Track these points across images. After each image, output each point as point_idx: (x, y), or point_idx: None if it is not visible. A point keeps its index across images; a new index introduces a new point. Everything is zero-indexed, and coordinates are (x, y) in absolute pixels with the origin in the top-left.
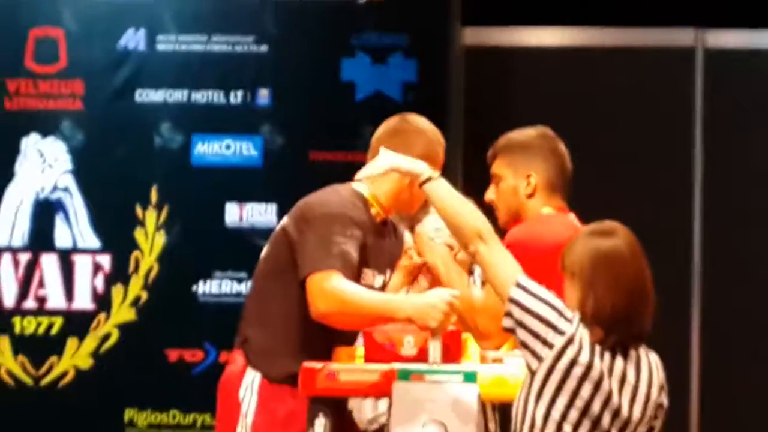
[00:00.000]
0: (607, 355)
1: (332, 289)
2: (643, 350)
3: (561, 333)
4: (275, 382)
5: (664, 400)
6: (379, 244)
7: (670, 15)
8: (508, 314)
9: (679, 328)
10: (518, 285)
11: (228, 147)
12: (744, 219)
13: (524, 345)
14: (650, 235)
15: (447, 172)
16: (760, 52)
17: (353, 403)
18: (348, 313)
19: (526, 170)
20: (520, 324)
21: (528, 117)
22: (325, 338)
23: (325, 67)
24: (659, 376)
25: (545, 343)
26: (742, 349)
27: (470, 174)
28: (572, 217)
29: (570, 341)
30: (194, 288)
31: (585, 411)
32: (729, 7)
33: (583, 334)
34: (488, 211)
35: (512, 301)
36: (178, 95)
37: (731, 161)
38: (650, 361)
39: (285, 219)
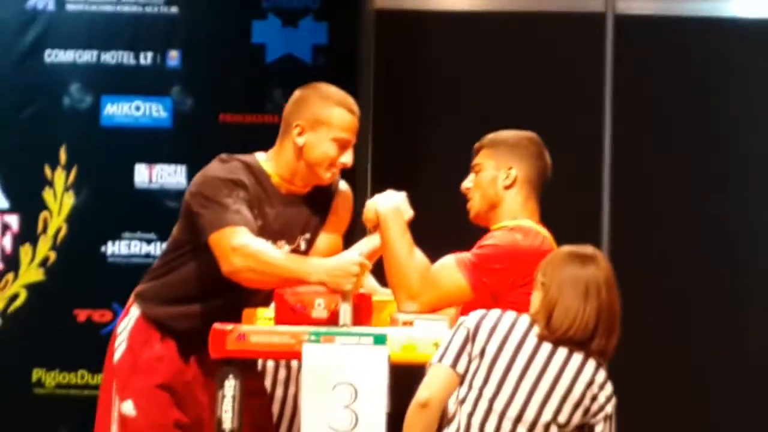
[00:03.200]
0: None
1: (243, 245)
2: (582, 356)
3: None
4: (150, 320)
5: (595, 392)
6: (286, 212)
7: None
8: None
9: None
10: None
11: (138, 108)
12: (653, 183)
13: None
14: (559, 204)
15: (356, 136)
16: (667, 18)
17: None
18: (260, 270)
19: (507, 163)
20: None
21: (438, 81)
22: (214, 296)
23: (236, 29)
24: (586, 373)
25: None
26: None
27: (379, 137)
28: (548, 236)
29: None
30: (103, 249)
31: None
32: None
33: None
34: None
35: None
36: (87, 56)
37: (640, 126)
38: (586, 362)
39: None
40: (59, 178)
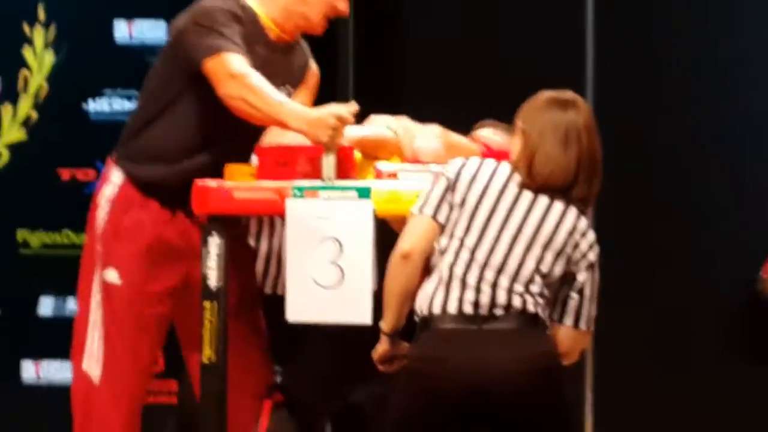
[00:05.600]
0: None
1: (243, 74)
2: (563, 204)
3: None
4: (133, 182)
5: (577, 240)
6: (273, 58)
7: None
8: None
9: None
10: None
11: None
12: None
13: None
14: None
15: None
16: None
17: None
18: (251, 103)
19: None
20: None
21: None
22: (208, 147)
23: None
24: (567, 221)
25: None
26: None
27: (361, 21)
28: None
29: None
30: (84, 106)
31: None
32: None
33: (470, 165)
34: None
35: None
36: None
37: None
38: (567, 210)
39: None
40: (38, 35)
